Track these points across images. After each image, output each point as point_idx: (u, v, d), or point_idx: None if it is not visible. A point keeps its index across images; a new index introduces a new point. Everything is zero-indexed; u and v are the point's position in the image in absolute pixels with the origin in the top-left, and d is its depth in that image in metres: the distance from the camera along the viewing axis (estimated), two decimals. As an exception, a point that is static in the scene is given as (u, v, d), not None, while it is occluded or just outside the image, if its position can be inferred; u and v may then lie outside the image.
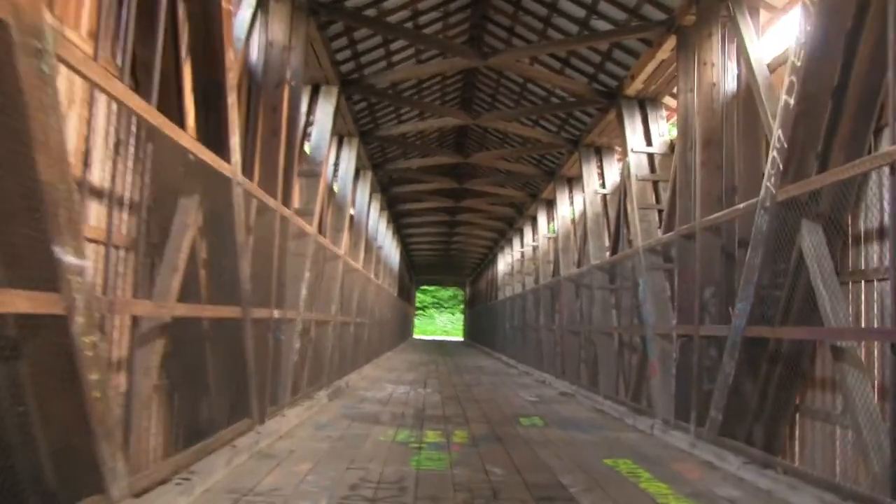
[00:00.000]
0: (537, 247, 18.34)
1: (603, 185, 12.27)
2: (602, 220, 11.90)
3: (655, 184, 9.29)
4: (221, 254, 5.37)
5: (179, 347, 5.47)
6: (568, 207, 14.89)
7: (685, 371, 6.91)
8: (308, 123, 9.91)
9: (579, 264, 13.36)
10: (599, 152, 12.58)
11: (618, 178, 12.11)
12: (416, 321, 51.18)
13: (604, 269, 11.05)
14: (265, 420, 6.31)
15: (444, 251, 34.04)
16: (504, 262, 25.89)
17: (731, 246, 6.90)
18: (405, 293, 34.34)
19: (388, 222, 20.81)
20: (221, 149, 5.09)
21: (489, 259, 31.97)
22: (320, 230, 10.42)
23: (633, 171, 9.31)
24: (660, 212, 8.97)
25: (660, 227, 8.70)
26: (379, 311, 18.51)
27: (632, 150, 9.47)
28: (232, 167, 5.16)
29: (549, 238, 17.34)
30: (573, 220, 14.60)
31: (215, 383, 5.59)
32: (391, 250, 23.53)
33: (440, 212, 22.24)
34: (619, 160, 12.83)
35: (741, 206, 6.01)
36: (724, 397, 5.79)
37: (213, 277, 5.42)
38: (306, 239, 8.32)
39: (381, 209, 18.68)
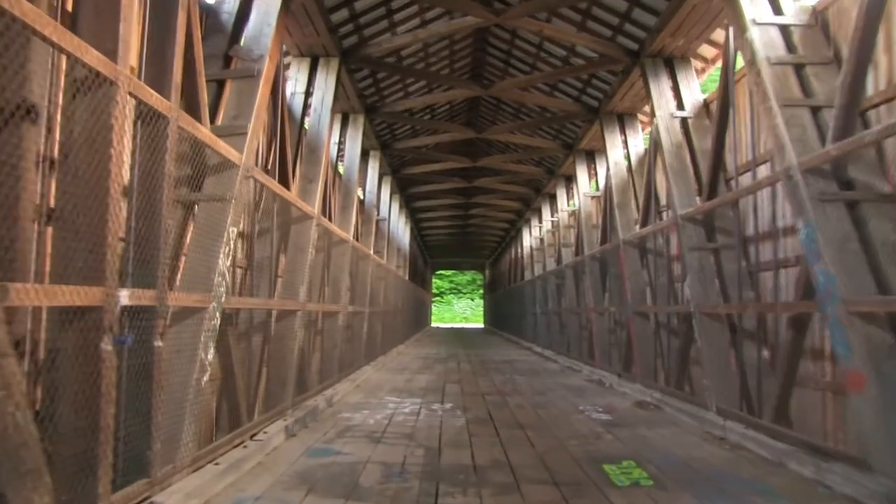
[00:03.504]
0: (577, 210, 14.79)
1: (680, 107, 8.71)
2: (685, 152, 8.37)
3: (799, 72, 5.78)
4: None
5: None
6: (620, 151, 11.36)
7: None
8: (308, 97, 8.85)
9: (644, 222, 9.86)
10: (671, 64, 9.02)
11: (699, 99, 8.61)
12: (434, 308, 47.92)
13: (696, 221, 7.54)
14: (98, 525, 2.93)
15: (461, 231, 30.54)
16: (531, 236, 22.29)
17: None
18: (420, 278, 30.93)
19: (393, 193, 17.37)
20: None
21: (511, 235, 28.41)
22: (280, 176, 7.02)
23: (760, 53, 5.77)
24: (813, 111, 5.48)
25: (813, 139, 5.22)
26: (385, 298, 15.06)
27: (753, 21, 5.93)
28: None
29: (593, 198, 13.80)
30: (629, 167, 11.07)
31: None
32: (401, 228, 20.08)
33: (455, 176, 18.76)
34: (702, 70, 9.33)
35: None
36: None
37: None
38: (229, 174, 4.90)
39: (383, 174, 15.27)
